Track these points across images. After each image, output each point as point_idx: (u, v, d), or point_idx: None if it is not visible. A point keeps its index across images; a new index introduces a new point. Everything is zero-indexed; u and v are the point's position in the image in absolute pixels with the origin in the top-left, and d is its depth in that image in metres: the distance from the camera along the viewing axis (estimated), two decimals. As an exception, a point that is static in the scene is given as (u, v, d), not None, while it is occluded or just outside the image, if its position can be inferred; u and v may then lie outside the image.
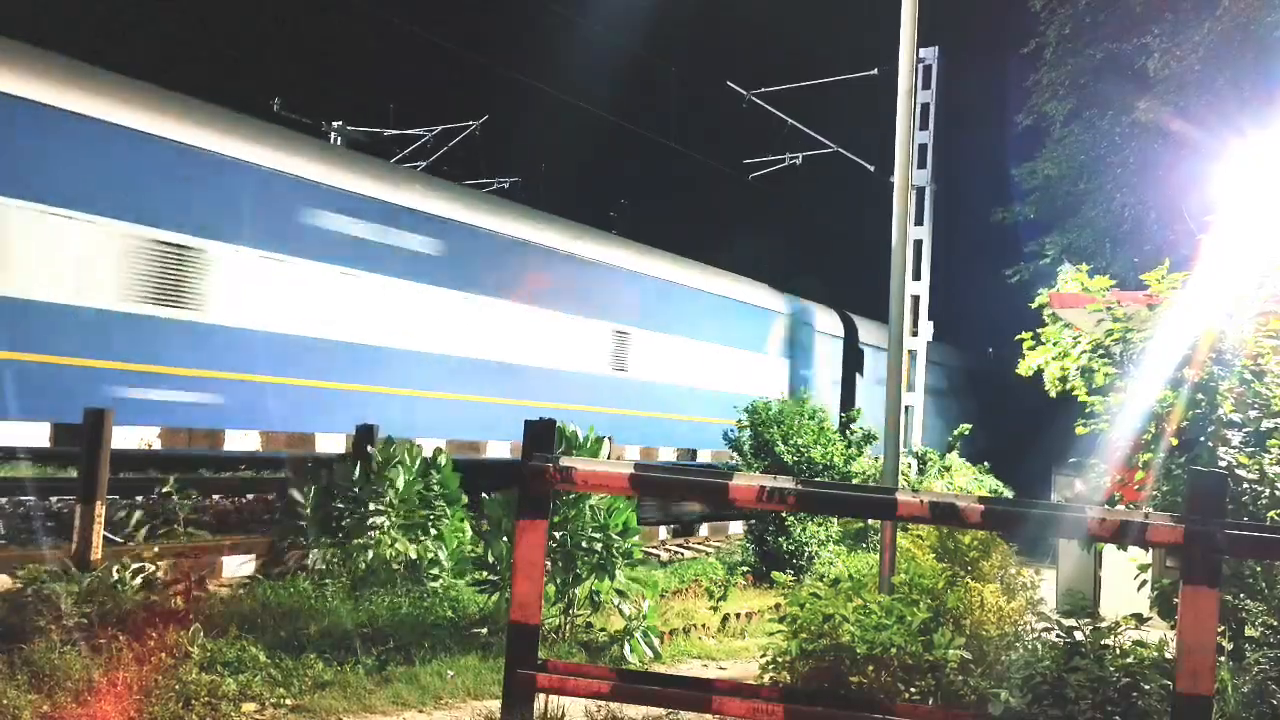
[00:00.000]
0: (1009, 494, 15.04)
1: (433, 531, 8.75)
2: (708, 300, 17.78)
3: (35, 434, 8.17)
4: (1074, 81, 18.79)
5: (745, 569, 11.51)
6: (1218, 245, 7.34)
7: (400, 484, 8.71)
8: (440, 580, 8.47)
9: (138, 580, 6.65)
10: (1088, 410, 7.18)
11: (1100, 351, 7.11)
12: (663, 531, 14.69)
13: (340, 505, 8.63)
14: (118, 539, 9.26)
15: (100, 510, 7.80)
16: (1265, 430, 6.32)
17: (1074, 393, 7.45)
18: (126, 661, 5.69)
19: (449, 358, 13.11)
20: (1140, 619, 5.52)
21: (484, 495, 8.16)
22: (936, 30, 15.36)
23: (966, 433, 15.87)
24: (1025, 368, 7.76)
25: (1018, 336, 7.89)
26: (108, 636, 5.94)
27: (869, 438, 13.14)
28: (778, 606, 6.26)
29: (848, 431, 13.15)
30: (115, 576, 6.62)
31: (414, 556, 8.47)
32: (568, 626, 7.62)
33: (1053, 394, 7.61)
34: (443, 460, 9.18)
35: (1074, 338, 7.61)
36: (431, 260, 12.94)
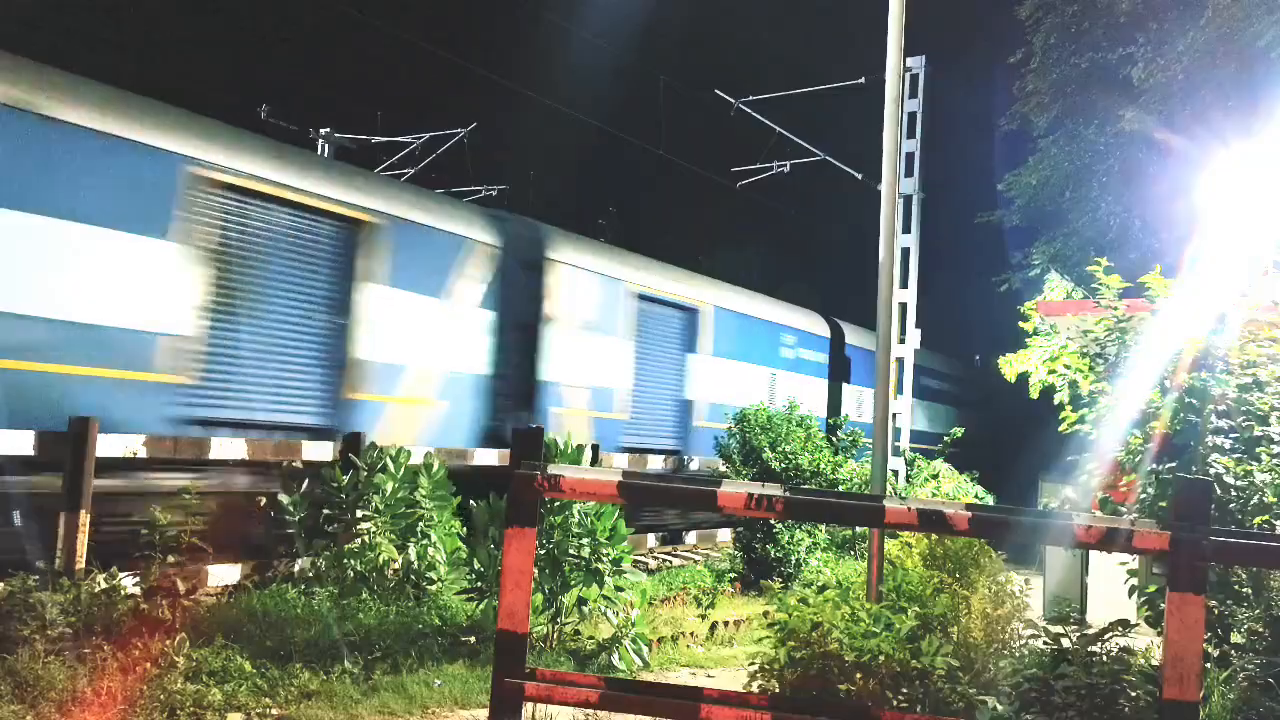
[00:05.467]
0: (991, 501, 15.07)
1: (429, 537, 8.70)
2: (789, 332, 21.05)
3: (19, 442, 8.08)
4: (1060, 90, 18.89)
5: (733, 576, 11.49)
6: (1203, 253, 7.39)
7: (387, 489, 8.68)
8: (436, 586, 8.44)
9: (123, 589, 6.60)
10: (1076, 414, 7.20)
11: (1095, 350, 7.12)
12: (651, 539, 14.68)
13: (328, 511, 8.59)
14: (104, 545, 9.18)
15: (85, 519, 7.74)
16: (1255, 438, 6.36)
17: (1058, 397, 7.47)
18: (111, 671, 5.65)
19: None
20: (1127, 625, 5.52)
21: (472, 502, 8.15)
22: (923, 39, 15.40)
23: (958, 435, 15.85)
24: (1010, 370, 7.78)
25: (1007, 357, 7.91)
26: (93, 646, 5.90)
27: (855, 444, 13.15)
28: (766, 614, 6.25)
29: (834, 438, 13.16)
30: (100, 585, 6.57)
31: (412, 561, 8.42)
32: (555, 634, 7.60)
33: (1035, 395, 7.63)
34: (435, 464, 9.14)
35: (1063, 343, 7.64)
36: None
